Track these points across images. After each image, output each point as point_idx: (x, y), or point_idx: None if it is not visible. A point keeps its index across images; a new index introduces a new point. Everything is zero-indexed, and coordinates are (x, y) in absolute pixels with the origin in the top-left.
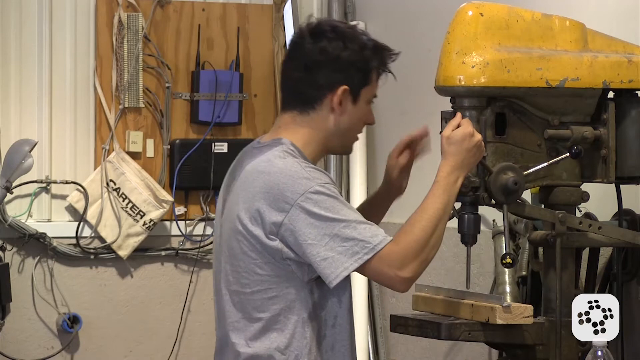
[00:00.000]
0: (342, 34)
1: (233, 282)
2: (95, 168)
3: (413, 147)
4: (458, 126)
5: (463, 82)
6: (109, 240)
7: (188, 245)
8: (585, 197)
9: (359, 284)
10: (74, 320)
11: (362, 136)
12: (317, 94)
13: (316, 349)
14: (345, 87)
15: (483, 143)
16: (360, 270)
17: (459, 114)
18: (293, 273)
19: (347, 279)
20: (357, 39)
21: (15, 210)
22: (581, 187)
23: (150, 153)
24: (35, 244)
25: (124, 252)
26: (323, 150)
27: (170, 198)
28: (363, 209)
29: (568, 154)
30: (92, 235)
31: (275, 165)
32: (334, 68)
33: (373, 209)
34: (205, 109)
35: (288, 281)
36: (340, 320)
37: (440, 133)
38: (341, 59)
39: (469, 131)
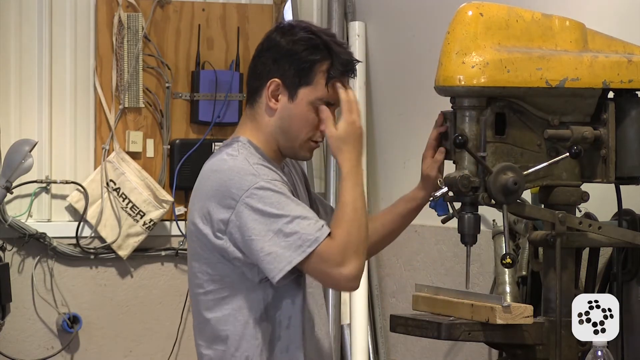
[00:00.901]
0: (299, 31)
1: (191, 283)
2: (95, 168)
3: (439, 140)
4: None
5: (463, 82)
6: (109, 240)
7: None
8: (585, 197)
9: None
10: (74, 320)
11: None
12: (256, 85)
13: (268, 351)
14: (276, 80)
15: (359, 118)
16: (305, 266)
17: (325, 110)
18: (244, 274)
19: (301, 279)
20: (310, 37)
21: (15, 210)
22: (581, 187)
23: (150, 153)
24: (35, 244)
25: (124, 252)
26: (276, 149)
27: (170, 198)
28: (403, 216)
29: (568, 154)
30: (92, 235)
31: (226, 163)
32: (271, 58)
33: (414, 214)
34: (205, 109)
35: (239, 282)
36: (295, 321)
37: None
38: (279, 49)
39: (350, 121)
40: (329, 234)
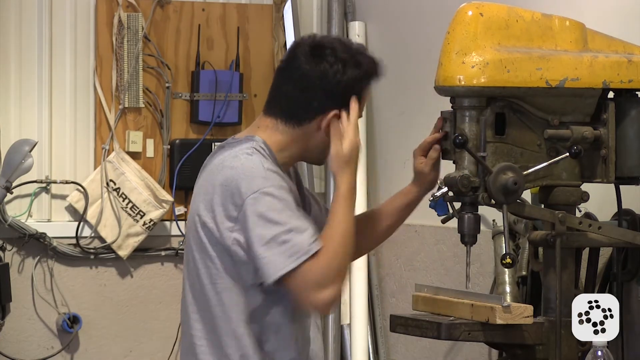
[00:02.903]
0: (342, 58)
1: (191, 273)
2: (95, 168)
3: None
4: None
5: (463, 82)
6: (109, 240)
7: None
8: (585, 197)
9: (359, 283)
10: (74, 320)
11: (362, 136)
12: (308, 115)
13: (258, 353)
14: (336, 110)
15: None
16: (291, 278)
17: (337, 127)
18: (240, 273)
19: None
20: (355, 63)
21: (15, 210)
22: (581, 187)
23: (150, 153)
24: (35, 244)
25: (124, 252)
26: (297, 159)
27: (170, 198)
28: (400, 210)
29: (568, 154)
30: (92, 235)
31: (239, 160)
32: (329, 94)
33: (408, 209)
34: (205, 109)
35: (231, 281)
36: (285, 331)
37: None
38: (338, 85)
39: (355, 142)
40: (316, 253)
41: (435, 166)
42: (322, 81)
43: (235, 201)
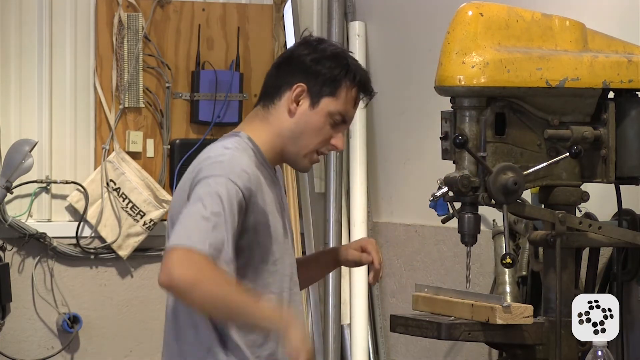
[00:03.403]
0: (328, 46)
1: None
2: (95, 168)
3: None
4: None
5: (463, 82)
6: (109, 240)
7: None
8: (585, 197)
9: (359, 283)
10: (74, 320)
11: (362, 136)
12: (278, 88)
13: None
14: (302, 84)
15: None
16: (175, 252)
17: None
18: None
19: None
20: (337, 54)
21: (15, 210)
22: (581, 187)
23: (150, 153)
24: (35, 244)
25: (124, 252)
26: (279, 152)
27: (170, 198)
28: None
29: (568, 154)
30: (92, 235)
31: (217, 150)
32: (299, 67)
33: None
34: (205, 109)
35: None
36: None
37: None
38: (310, 60)
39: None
40: (201, 252)
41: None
42: (295, 55)
43: (192, 183)
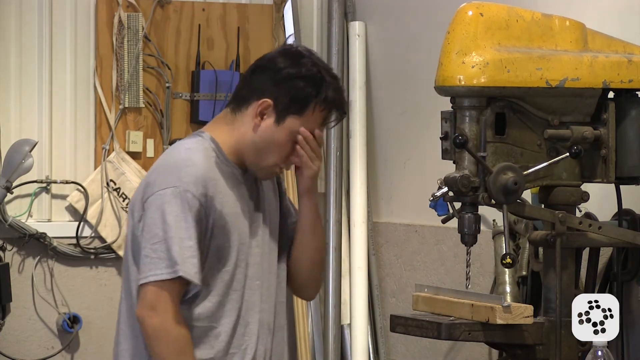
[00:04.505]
0: (305, 61)
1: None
2: (95, 168)
3: None
4: None
5: (463, 82)
6: (109, 240)
7: None
8: (585, 197)
9: (359, 283)
10: (74, 320)
11: (362, 136)
12: (247, 96)
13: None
14: (269, 100)
15: None
16: (149, 286)
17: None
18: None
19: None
20: (311, 74)
21: (15, 210)
22: (581, 187)
23: (150, 153)
24: (35, 244)
25: (124, 252)
26: (240, 156)
27: None
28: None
29: (568, 154)
30: (92, 235)
31: (172, 153)
32: (271, 80)
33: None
34: (205, 109)
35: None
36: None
37: (441, 137)
38: (283, 76)
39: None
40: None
41: None
42: (269, 64)
43: (147, 193)
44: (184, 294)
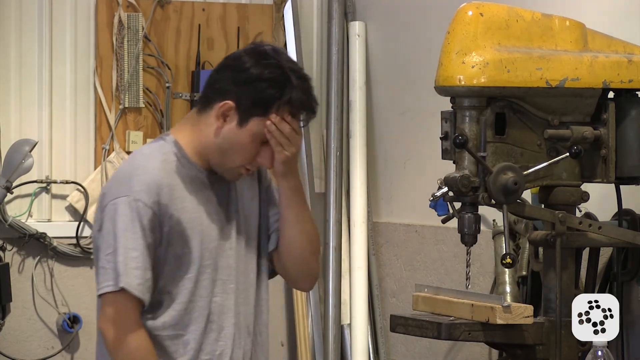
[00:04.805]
0: (270, 61)
1: None
2: (95, 168)
3: None
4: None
5: (463, 82)
6: None
7: None
8: (585, 197)
9: (359, 283)
10: (74, 320)
11: (362, 136)
12: (211, 97)
13: None
14: (231, 102)
15: None
16: (105, 297)
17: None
18: None
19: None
20: (274, 77)
21: (15, 210)
22: (581, 187)
23: None
24: (35, 244)
25: None
26: (205, 158)
27: None
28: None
29: (568, 154)
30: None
31: (129, 161)
32: (233, 80)
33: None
34: None
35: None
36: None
37: (441, 137)
38: (243, 75)
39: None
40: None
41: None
42: (233, 63)
43: (102, 203)
44: (144, 303)
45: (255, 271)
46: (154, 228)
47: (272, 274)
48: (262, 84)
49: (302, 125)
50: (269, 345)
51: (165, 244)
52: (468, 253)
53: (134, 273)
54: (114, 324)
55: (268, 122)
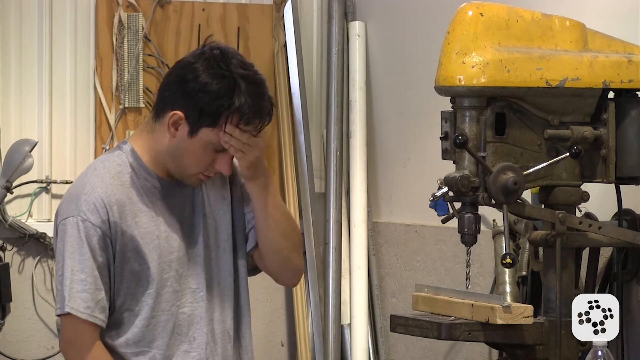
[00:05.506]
0: (220, 67)
1: None
2: None
3: None
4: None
5: (463, 82)
6: None
7: None
8: (585, 197)
9: (359, 283)
10: None
11: (362, 136)
12: (162, 106)
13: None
14: (179, 112)
15: None
16: (61, 319)
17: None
18: None
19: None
20: (225, 79)
21: (15, 210)
22: (581, 187)
23: None
24: (35, 244)
25: None
26: (163, 165)
27: None
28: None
29: (568, 154)
30: None
31: (81, 177)
32: (181, 90)
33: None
34: None
35: None
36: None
37: (441, 137)
38: (190, 85)
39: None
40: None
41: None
42: (184, 72)
43: (56, 220)
44: (97, 324)
45: (231, 273)
46: (105, 247)
47: (253, 271)
48: (209, 95)
49: (257, 130)
50: (269, 345)
51: (119, 261)
52: (468, 253)
53: (80, 296)
54: (70, 346)
55: (221, 133)
